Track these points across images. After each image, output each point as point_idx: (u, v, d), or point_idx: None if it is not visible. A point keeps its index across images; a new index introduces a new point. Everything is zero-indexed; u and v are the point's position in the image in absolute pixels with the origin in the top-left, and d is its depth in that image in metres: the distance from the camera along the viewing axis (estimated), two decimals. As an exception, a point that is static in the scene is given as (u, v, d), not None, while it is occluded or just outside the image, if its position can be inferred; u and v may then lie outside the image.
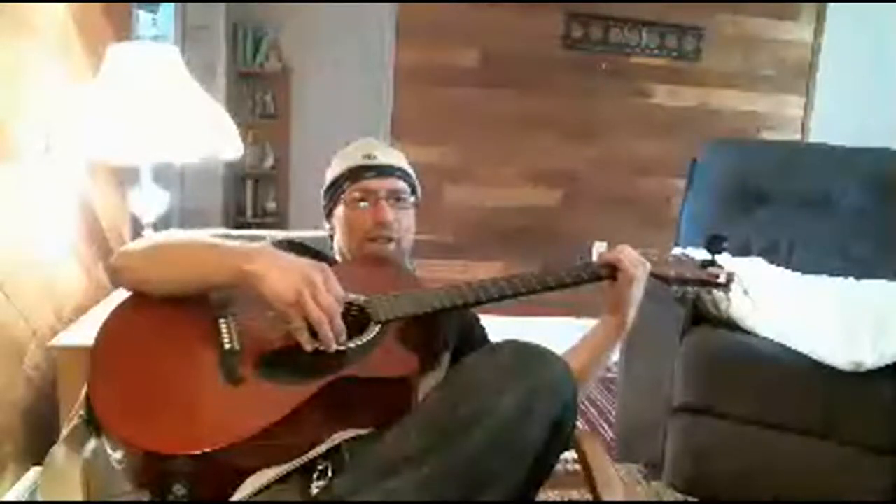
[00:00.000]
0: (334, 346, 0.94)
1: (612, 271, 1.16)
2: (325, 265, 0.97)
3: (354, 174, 1.22)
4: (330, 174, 1.27)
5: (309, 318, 0.92)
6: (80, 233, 1.94)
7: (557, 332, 1.38)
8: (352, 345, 0.98)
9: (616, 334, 1.19)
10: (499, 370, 0.88)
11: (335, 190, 1.24)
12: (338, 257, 1.27)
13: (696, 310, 2.04)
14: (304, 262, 0.96)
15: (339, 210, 1.23)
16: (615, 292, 1.17)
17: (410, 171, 1.28)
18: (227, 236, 1.28)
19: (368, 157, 1.23)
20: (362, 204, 1.20)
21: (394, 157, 1.27)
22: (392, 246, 1.21)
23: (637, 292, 1.16)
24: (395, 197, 1.22)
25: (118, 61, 1.78)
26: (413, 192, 1.26)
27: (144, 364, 0.95)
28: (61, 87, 1.81)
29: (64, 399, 1.59)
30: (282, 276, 0.93)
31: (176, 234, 1.09)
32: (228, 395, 0.91)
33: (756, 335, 1.98)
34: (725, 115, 3.55)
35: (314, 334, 0.94)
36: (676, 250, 1.43)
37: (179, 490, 0.84)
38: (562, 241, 3.43)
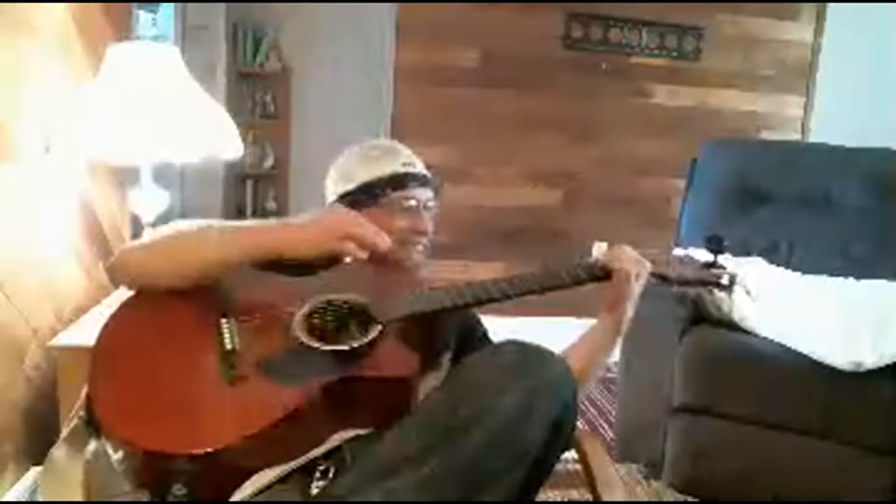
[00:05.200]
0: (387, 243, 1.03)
1: (608, 270, 1.17)
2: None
3: (399, 181, 1.21)
4: (360, 175, 1.23)
5: (362, 241, 1.00)
6: (80, 233, 1.94)
7: (557, 332, 1.38)
8: (354, 344, 0.98)
9: (614, 332, 1.19)
10: (499, 370, 0.88)
11: (371, 192, 1.21)
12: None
13: (695, 309, 2.04)
14: (317, 217, 1.02)
15: (372, 212, 1.19)
16: (612, 290, 1.17)
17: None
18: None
19: (407, 164, 1.24)
20: (405, 210, 1.20)
21: (422, 164, 1.28)
22: (423, 252, 1.23)
23: (634, 289, 1.16)
24: (426, 206, 1.24)
25: (118, 61, 1.78)
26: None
27: (145, 364, 0.95)
28: (61, 87, 1.81)
29: (64, 399, 1.59)
30: (310, 232, 1.00)
31: (178, 226, 1.09)
32: (229, 395, 0.91)
33: (756, 335, 1.98)
34: (725, 115, 3.55)
35: None
36: (678, 250, 1.43)
37: (179, 490, 0.84)
38: (562, 241, 3.43)
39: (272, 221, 1.06)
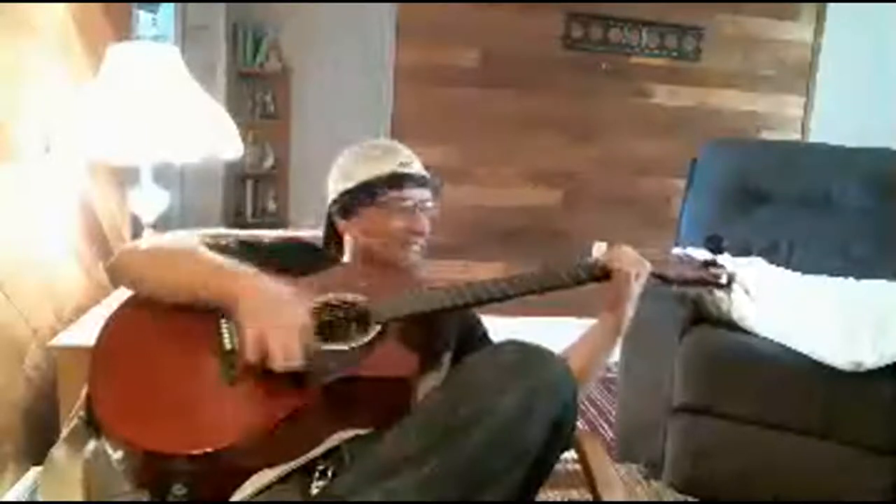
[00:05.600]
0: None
1: (608, 271, 1.17)
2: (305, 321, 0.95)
3: (396, 181, 1.21)
4: (359, 174, 1.23)
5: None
6: (80, 233, 1.94)
7: (557, 332, 1.38)
8: (353, 344, 0.99)
9: (614, 332, 1.19)
10: (499, 370, 0.88)
11: (370, 191, 1.22)
12: (347, 253, 1.27)
13: (695, 309, 2.04)
14: (289, 312, 0.95)
15: (371, 211, 1.21)
16: (612, 290, 1.17)
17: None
18: (227, 237, 1.28)
19: (405, 164, 1.24)
20: (402, 211, 1.21)
21: (420, 164, 1.28)
22: (419, 252, 1.23)
23: (634, 289, 1.16)
24: (423, 206, 1.24)
25: (118, 61, 1.78)
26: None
27: (145, 364, 0.95)
28: (61, 87, 1.81)
29: (64, 399, 1.59)
30: (265, 318, 0.93)
31: (185, 238, 1.10)
32: (229, 395, 0.91)
33: (756, 335, 1.98)
34: (725, 115, 3.55)
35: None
36: (677, 250, 1.43)
37: (179, 490, 0.84)
38: (562, 241, 3.43)
39: (258, 282, 0.99)
